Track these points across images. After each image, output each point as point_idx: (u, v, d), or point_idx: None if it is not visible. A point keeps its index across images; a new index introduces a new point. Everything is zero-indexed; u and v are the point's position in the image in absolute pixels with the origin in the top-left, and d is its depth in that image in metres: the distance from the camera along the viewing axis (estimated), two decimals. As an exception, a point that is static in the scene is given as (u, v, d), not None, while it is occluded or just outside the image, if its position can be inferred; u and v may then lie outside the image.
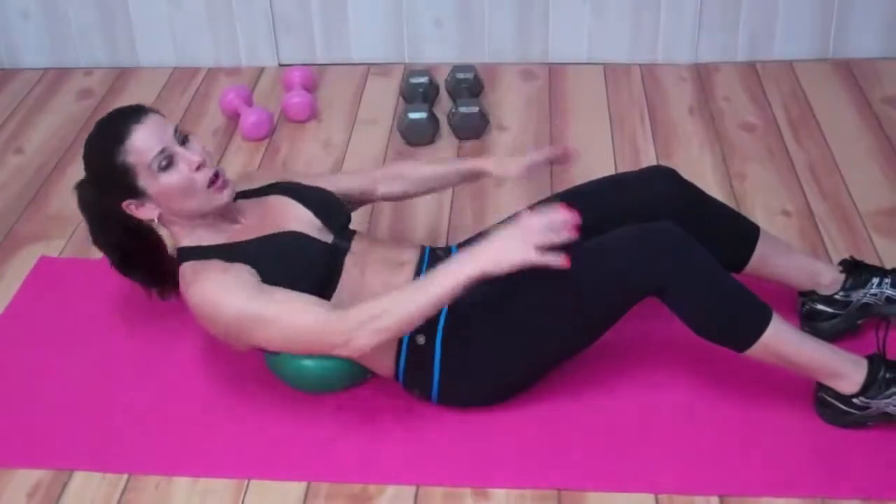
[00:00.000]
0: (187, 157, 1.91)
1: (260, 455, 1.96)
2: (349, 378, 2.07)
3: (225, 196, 1.96)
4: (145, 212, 1.94)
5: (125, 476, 1.94)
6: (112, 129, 1.91)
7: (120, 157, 1.88)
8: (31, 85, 3.33)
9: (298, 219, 2.03)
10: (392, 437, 1.99)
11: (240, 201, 2.05)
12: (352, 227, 2.14)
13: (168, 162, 1.89)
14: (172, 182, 1.90)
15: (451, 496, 1.87)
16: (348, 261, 2.01)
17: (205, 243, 1.96)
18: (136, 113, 1.92)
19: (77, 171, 2.09)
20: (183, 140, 1.93)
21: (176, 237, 2.00)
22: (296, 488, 1.90)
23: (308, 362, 2.04)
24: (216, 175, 1.94)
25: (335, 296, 1.96)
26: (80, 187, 2.04)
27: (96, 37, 3.36)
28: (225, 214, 2.00)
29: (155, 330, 2.25)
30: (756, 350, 1.87)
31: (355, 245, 2.05)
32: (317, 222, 2.04)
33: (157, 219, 1.96)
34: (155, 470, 1.95)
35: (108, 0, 3.30)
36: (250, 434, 2.01)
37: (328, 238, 2.03)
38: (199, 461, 1.96)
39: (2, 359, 2.22)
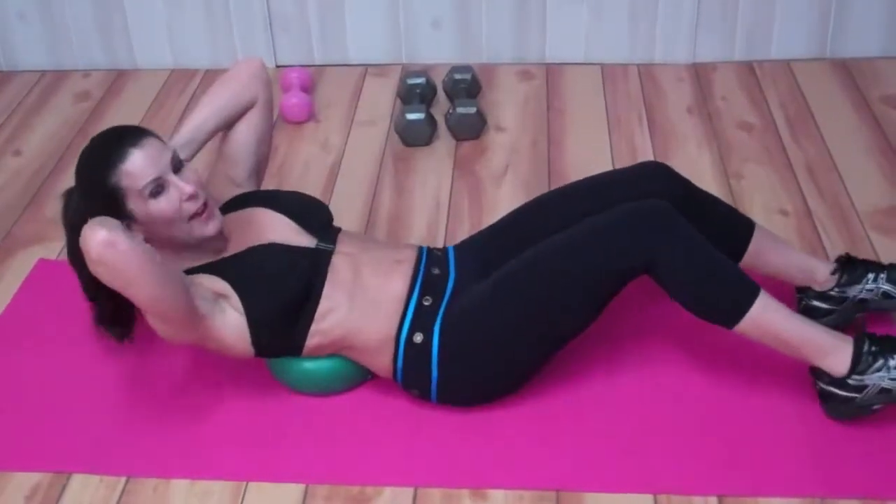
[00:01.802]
0: (180, 186, 1.90)
1: (258, 457, 1.96)
2: (350, 380, 2.07)
3: (210, 228, 1.95)
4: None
5: (123, 479, 1.94)
6: (109, 148, 1.89)
7: (113, 178, 1.87)
8: (28, 87, 3.33)
9: (277, 228, 2.04)
10: (390, 439, 1.99)
11: (226, 213, 2.05)
12: (344, 227, 2.15)
13: (160, 189, 1.89)
14: (160, 209, 1.89)
15: (449, 497, 1.87)
16: (337, 261, 2.01)
17: (188, 266, 1.98)
18: (134, 136, 1.90)
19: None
20: (177, 167, 1.92)
21: (162, 254, 1.99)
22: (294, 490, 1.90)
23: (308, 365, 2.04)
24: (204, 206, 1.93)
25: (327, 297, 1.97)
26: (69, 195, 2.03)
27: (94, 39, 3.36)
28: (211, 240, 1.99)
29: (153, 332, 2.24)
30: (745, 325, 1.87)
31: (343, 245, 2.06)
32: (296, 227, 2.05)
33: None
34: (153, 472, 1.94)
35: (105, 2, 3.30)
36: (248, 436, 2.01)
37: (311, 241, 2.04)
38: (197, 463, 1.96)
39: (1, 361, 2.22)
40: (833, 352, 1.89)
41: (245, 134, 2.18)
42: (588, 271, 1.91)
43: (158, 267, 1.80)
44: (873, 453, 1.89)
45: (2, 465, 1.97)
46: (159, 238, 1.94)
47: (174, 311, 1.85)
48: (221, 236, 2.02)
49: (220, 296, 1.94)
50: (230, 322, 1.94)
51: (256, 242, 2.00)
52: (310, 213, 2.11)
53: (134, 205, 1.89)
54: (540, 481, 1.89)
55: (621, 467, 1.90)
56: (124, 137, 1.90)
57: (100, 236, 1.72)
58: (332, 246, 2.04)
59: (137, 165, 1.87)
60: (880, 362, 1.87)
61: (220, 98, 2.14)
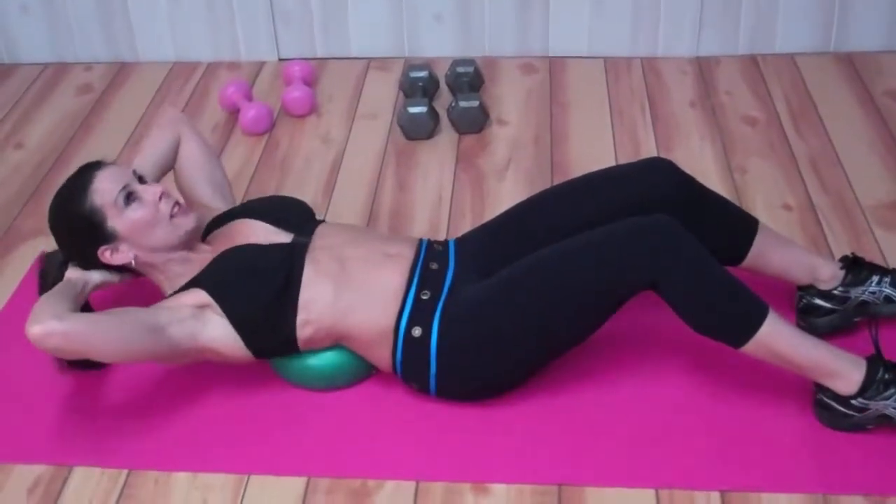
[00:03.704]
0: (149, 190, 2.02)
1: (260, 450, 1.96)
2: (353, 375, 2.07)
3: (190, 221, 2.05)
4: (120, 256, 2.02)
5: (125, 471, 1.94)
6: (77, 181, 2.03)
7: (88, 201, 1.99)
8: (30, 80, 3.32)
9: (254, 234, 2.09)
10: (392, 432, 1.98)
11: (209, 234, 2.13)
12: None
13: (131, 197, 2.00)
14: (139, 215, 2.00)
15: (450, 491, 1.87)
16: (316, 252, 2.03)
17: (177, 285, 2.03)
18: (95, 164, 2.05)
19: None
20: (140, 180, 2.04)
21: (156, 281, 2.07)
22: (296, 483, 1.90)
23: (312, 361, 2.04)
24: (176, 203, 2.04)
25: (308, 287, 1.97)
26: (47, 261, 2.12)
27: (96, 31, 3.36)
28: (193, 246, 2.07)
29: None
30: (752, 347, 1.86)
31: (322, 237, 2.07)
32: (273, 229, 2.09)
33: (134, 262, 2.02)
34: (154, 465, 1.95)
35: (107, -6, 3.30)
36: (250, 429, 2.01)
37: (287, 238, 2.08)
38: (198, 456, 1.96)
39: (2, 354, 2.22)
40: (842, 374, 1.87)
41: (185, 167, 2.31)
42: (590, 287, 1.90)
43: (111, 328, 1.88)
44: (876, 450, 1.89)
45: (4, 458, 1.98)
46: (147, 249, 2.02)
47: (145, 356, 1.92)
48: (204, 242, 2.10)
49: (203, 307, 1.96)
50: (217, 331, 1.95)
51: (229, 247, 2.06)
52: (286, 212, 2.16)
53: (114, 221, 1.99)
54: (542, 475, 1.88)
55: (623, 461, 1.90)
56: (86, 169, 2.05)
57: (34, 333, 1.83)
58: (307, 238, 2.05)
59: (104, 180, 2.00)
60: (891, 391, 1.85)
61: (145, 147, 2.31)
